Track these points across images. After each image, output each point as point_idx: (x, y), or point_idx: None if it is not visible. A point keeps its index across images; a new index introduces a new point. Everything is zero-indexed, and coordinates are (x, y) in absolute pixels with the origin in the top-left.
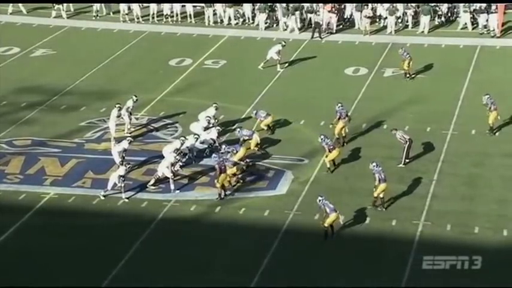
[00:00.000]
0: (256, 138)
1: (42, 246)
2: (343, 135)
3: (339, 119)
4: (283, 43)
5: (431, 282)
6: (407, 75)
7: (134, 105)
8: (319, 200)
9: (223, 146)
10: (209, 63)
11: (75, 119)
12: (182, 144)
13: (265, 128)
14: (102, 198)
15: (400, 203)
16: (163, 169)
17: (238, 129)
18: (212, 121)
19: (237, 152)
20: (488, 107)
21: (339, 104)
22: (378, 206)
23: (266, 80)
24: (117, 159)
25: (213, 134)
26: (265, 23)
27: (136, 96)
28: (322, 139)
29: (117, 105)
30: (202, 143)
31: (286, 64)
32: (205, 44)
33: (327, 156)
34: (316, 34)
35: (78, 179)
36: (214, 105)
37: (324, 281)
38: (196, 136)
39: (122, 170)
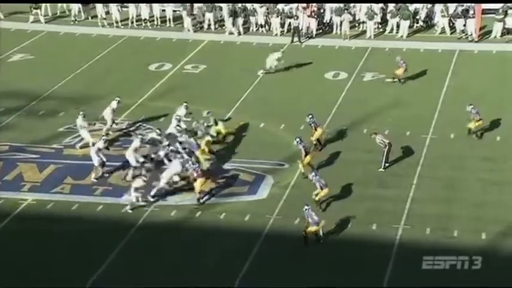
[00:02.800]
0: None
1: (20, 253)
2: (321, 142)
3: (315, 129)
4: (282, 50)
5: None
6: (401, 80)
7: (117, 107)
8: (305, 209)
9: (177, 145)
10: (189, 68)
11: (54, 125)
12: (142, 141)
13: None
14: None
15: (380, 207)
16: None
17: (199, 126)
18: (182, 120)
19: (191, 151)
20: (472, 117)
21: (310, 115)
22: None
23: (246, 85)
24: (96, 161)
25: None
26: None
27: (119, 98)
28: (297, 142)
29: (81, 113)
30: (181, 143)
31: (267, 69)
32: (185, 49)
33: (302, 161)
34: (296, 39)
35: (56, 185)
36: (184, 104)
37: (305, 284)
38: (157, 131)
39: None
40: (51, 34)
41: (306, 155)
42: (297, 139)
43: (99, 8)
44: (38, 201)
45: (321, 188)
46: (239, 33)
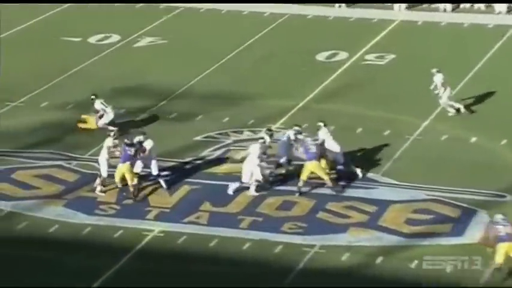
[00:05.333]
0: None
1: None
2: None
3: None
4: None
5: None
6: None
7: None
8: None
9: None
10: (371, 58)
11: (189, 132)
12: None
13: None
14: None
15: None
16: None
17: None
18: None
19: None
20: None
21: None
22: None
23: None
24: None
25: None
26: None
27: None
28: None
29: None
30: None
31: None
32: (367, 32)
33: None
34: None
35: (191, 213)
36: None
37: None
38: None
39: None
40: (190, 11)
41: None
42: None
43: None
44: (166, 233)
45: None
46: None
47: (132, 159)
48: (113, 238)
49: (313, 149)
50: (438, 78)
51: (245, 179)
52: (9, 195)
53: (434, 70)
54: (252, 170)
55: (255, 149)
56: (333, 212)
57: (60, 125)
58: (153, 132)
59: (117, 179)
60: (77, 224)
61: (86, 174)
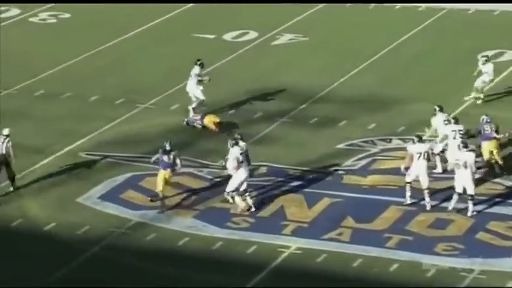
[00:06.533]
0: None
1: None
2: None
3: None
4: None
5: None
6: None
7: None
8: None
9: None
10: None
11: (332, 139)
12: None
13: None
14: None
15: None
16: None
17: None
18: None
19: None
20: None
21: None
22: None
23: None
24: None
25: None
26: None
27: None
28: None
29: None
30: None
31: None
32: None
33: None
34: None
35: (332, 229)
36: None
37: None
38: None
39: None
40: (334, 6)
41: None
42: None
43: None
44: (304, 251)
45: None
46: None
47: (171, 167)
48: (246, 254)
49: (489, 130)
50: None
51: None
52: (138, 203)
53: None
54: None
55: (470, 158)
56: (495, 232)
57: (191, 129)
58: (292, 138)
59: (159, 186)
60: (208, 237)
61: (218, 183)
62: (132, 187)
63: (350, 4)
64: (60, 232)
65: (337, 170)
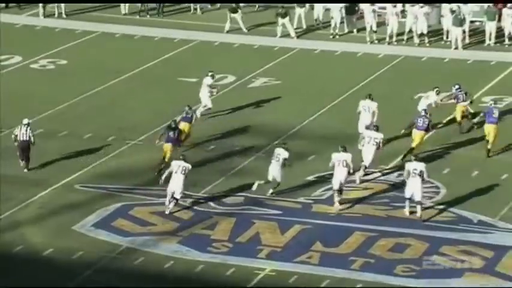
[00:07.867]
0: None
1: None
2: None
3: None
4: None
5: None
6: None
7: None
8: None
9: None
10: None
11: (302, 171)
12: None
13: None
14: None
15: None
16: None
17: None
18: None
19: None
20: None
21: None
22: None
23: None
24: None
25: None
26: None
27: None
28: None
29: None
30: None
31: None
32: (487, 75)
33: None
34: None
35: (302, 252)
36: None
37: None
38: None
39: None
40: (304, 52)
41: None
42: None
43: (368, 17)
44: (278, 272)
45: None
46: None
47: (174, 141)
48: (226, 276)
49: (496, 114)
50: None
51: None
52: (127, 231)
53: None
54: None
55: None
56: (447, 255)
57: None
58: (267, 171)
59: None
60: (191, 261)
61: (199, 212)
62: (122, 216)
63: (318, 51)
64: (57, 257)
65: (307, 199)
